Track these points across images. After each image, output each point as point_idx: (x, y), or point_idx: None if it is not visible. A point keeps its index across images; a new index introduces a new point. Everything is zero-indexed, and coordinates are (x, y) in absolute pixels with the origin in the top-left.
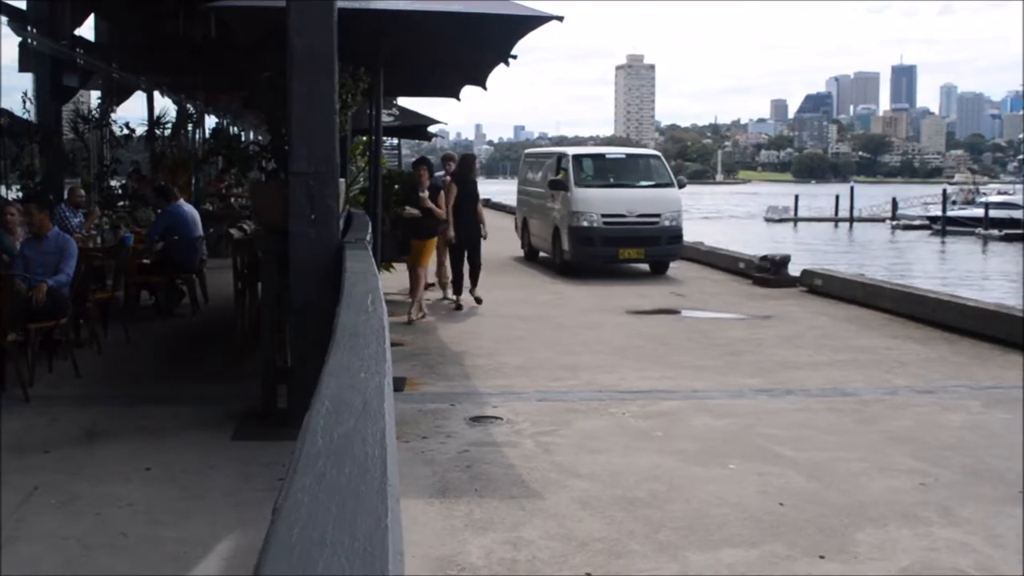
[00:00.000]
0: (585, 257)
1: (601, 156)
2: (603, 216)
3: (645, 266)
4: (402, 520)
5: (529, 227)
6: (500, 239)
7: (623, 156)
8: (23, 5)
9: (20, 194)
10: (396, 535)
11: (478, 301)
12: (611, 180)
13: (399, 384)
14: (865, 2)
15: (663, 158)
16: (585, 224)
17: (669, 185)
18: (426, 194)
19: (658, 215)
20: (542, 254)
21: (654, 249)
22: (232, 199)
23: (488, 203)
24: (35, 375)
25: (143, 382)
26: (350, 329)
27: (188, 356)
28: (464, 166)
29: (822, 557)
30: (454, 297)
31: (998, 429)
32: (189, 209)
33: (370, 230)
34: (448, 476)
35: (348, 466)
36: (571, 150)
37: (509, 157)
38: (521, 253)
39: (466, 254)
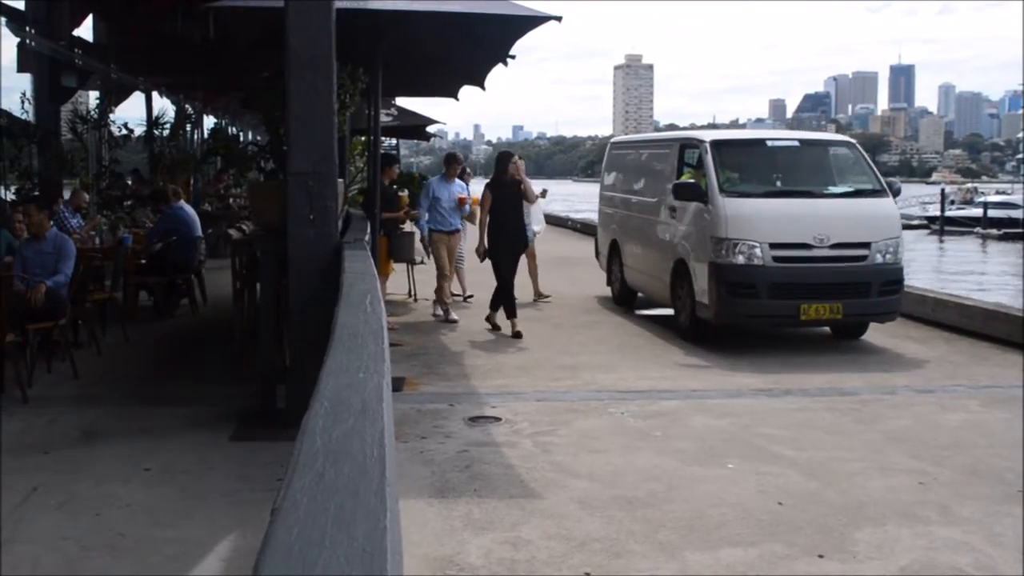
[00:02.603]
0: (740, 315)
1: (760, 144)
2: (772, 246)
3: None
4: (401, 520)
5: (623, 256)
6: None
7: (795, 144)
8: (21, 5)
9: (16, 195)
10: (395, 535)
11: (517, 335)
12: (778, 185)
13: (398, 384)
14: (864, 1)
15: (859, 147)
16: (741, 260)
17: (878, 192)
18: (404, 193)
19: (866, 244)
20: (640, 294)
21: (860, 303)
22: (231, 199)
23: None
24: (34, 376)
25: (142, 383)
26: (349, 329)
27: (187, 357)
28: (499, 166)
29: (821, 556)
30: (450, 316)
31: (997, 428)
32: (189, 210)
33: (368, 230)
34: (447, 476)
35: (347, 466)
36: (706, 135)
37: None
38: (607, 292)
39: (506, 270)
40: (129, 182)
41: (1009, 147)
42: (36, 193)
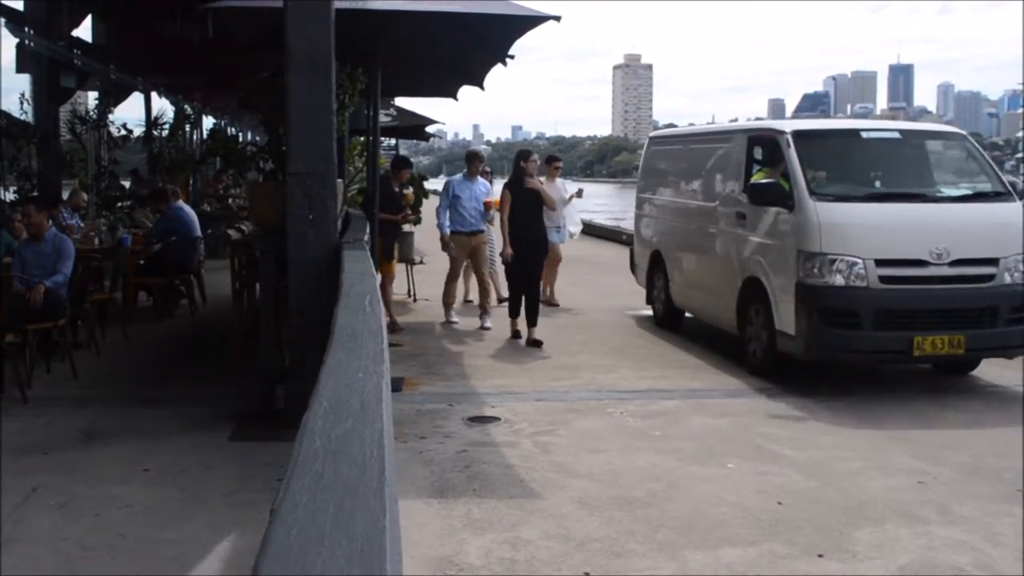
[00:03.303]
0: (838, 350)
1: (853, 136)
2: (879, 263)
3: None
4: (400, 520)
5: (669, 271)
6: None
7: (896, 136)
8: (20, 6)
9: (15, 196)
10: (394, 535)
11: (535, 344)
12: (877, 185)
13: (397, 384)
14: (865, 1)
15: (971, 139)
16: (839, 281)
17: (1001, 196)
18: (409, 190)
19: (993, 261)
20: (688, 314)
21: (985, 335)
22: (230, 200)
23: None
24: (33, 376)
25: (141, 383)
26: (348, 329)
27: (186, 357)
28: (516, 165)
29: (821, 556)
30: (451, 318)
31: (997, 427)
32: (188, 210)
33: (368, 231)
34: (446, 476)
35: (346, 466)
36: (786, 124)
37: (507, 157)
38: (647, 312)
39: (526, 276)
40: (127, 184)
41: (1008, 146)
42: (35, 194)
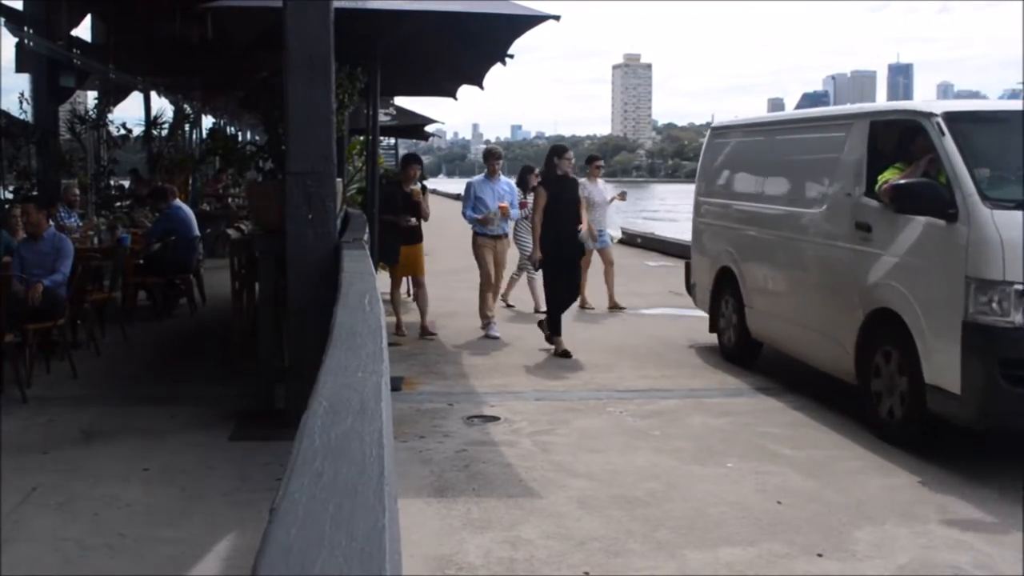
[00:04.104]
0: None
1: None
2: None
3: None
4: (400, 520)
5: (745, 293)
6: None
7: None
8: (19, 5)
9: (14, 195)
10: (394, 535)
11: (564, 355)
12: None
13: (396, 383)
14: (865, 1)
15: None
16: None
17: None
18: (418, 186)
19: None
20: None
21: None
22: (229, 199)
23: None
24: (33, 376)
25: (141, 383)
26: (347, 329)
27: (186, 357)
28: (550, 162)
29: (820, 555)
30: (491, 331)
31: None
32: (187, 210)
33: (367, 230)
34: (446, 475)
35: (345, 466)
36: (934, 105)
37: (506, 156)
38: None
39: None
40: (125, 184)
41: None
42: (34, 193)
